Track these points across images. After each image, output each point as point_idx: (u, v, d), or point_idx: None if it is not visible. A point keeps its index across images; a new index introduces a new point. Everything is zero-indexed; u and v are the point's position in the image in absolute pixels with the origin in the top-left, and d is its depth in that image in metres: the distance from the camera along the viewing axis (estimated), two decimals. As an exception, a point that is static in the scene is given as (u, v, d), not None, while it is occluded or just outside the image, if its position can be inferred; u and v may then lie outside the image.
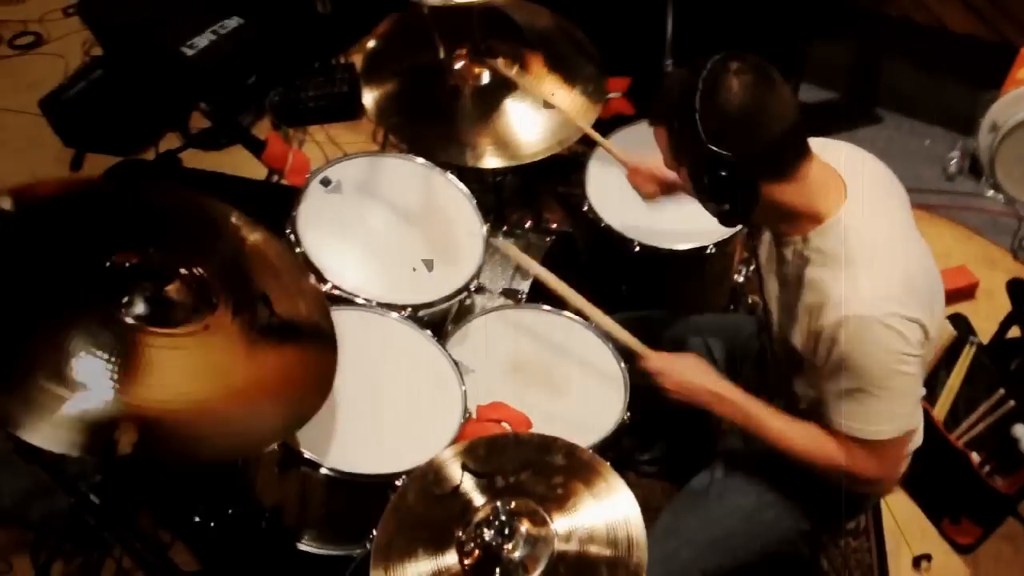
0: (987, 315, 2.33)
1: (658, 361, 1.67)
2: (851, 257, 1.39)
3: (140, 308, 1.36)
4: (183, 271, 1.45)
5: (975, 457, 2.02)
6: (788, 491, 1.63)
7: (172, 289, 1.41)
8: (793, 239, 1.47)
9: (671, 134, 1.43)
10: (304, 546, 1.69)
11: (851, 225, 1.41)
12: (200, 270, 1.46)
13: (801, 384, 1.57)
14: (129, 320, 1.34)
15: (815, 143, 1.45)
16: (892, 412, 1.42)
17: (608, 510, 1.37)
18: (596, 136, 2.05)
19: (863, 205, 1.43)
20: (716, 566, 1.64)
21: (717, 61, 1.36)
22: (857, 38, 3.11)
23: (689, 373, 1.64)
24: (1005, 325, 2.15)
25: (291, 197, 1.96)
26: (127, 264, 1.40)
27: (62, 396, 1.21)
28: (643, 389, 1.76)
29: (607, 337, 1.90)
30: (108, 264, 1.39)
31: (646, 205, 2.12)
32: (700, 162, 1.39)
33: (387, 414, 1.70)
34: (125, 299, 1.36)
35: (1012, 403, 1.96)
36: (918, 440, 1.61)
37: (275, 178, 2.68)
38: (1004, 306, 2.15)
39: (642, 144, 2.23)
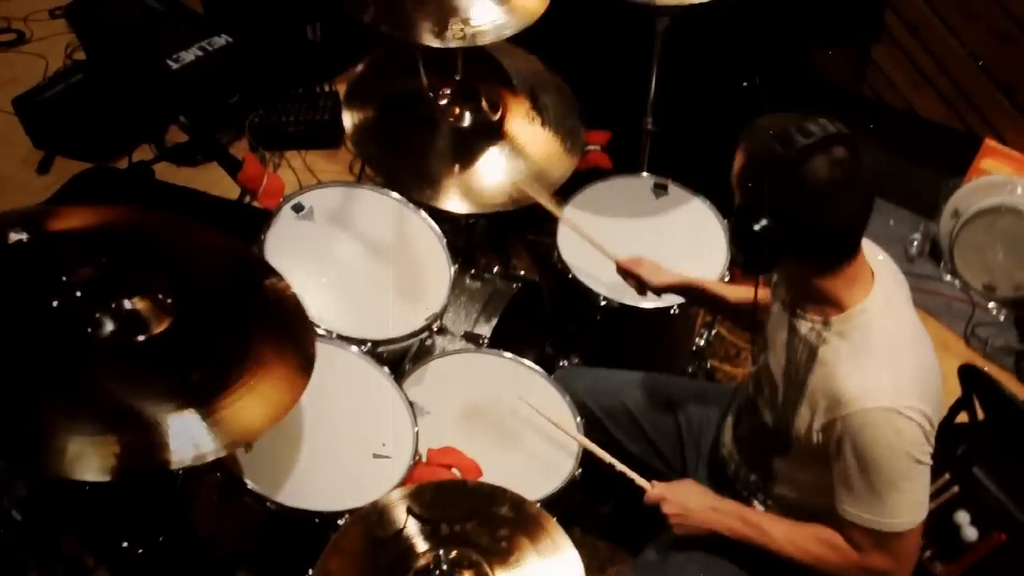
0: (938, 398, 2.37)
1: (658, 491, 1.64)
2: (872, 349, 1.40)
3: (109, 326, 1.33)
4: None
5: (917, 539, 2.03)
6: (744, 564, 1.62)
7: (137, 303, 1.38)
8: (812, 319, 1.47)
9: (747, 163, 1.41)
10: (237, 579, 1.65)
11: (875, 318, 1.42)
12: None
13: (782, 463, 1.57)
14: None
15: None
16: (912, 502, 1.41)
17: (552, 568, 1.35)
18: (582, 232, 2.03)
19: (886, 299, 1.45)
20: None
21: (831, 135, 1.35)
22: (831, 116, 3.18)
23: (688, 499, 1.62)
24: (954, 410, 2.17)
25: (262, 220, 1.95)
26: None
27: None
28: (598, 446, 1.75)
29: (564, 390, 1.89)
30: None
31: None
32: (750, 204, 1.39)
33: (336, 451, 1.67)
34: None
35: (956, 489, 1.97)
36: None
37: (247, 199, 2.66)
38: (954, 391, 2.18)
39: (614, 201, 2.28)
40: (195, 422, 1.27)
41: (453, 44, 1.88)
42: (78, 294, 1.35)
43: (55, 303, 1.34)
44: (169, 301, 1.41)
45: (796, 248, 1.40)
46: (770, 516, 1.58)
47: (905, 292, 1.53)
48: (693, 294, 1.90)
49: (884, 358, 1.40)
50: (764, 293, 1.64)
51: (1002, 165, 2.85)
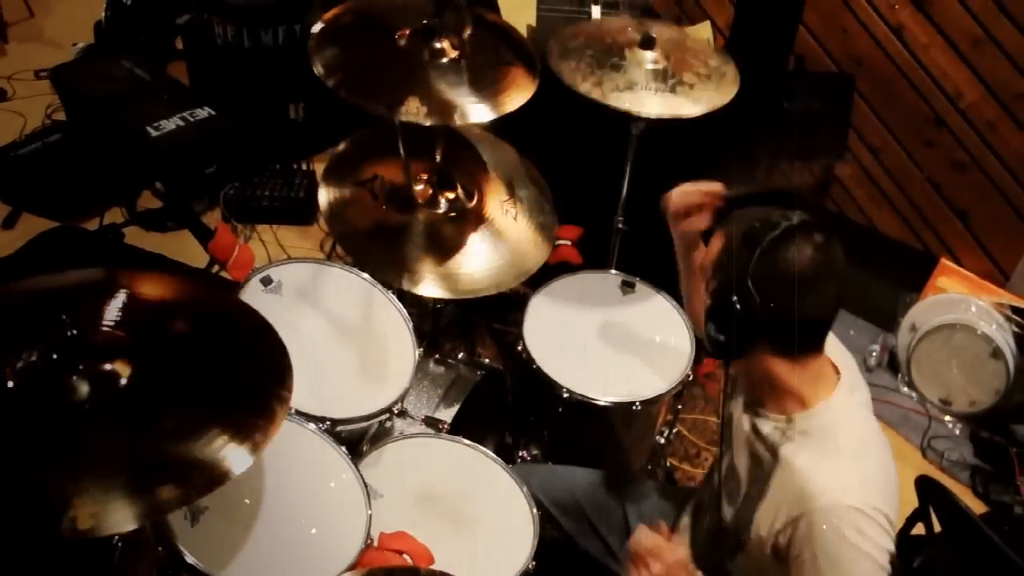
0: (893, 510, 2.37)
1: (643, 548, 1.49)
2: (838, 447, 1.39)
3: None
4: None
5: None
6: None
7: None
8: (775, 417, 1.46)
9: (726, 248, 1.43)
10: (170, 663, 1.56)
11: (839, 415, 1.42)
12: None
13: (736, 567, 1.54)
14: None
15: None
16: None
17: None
18: None
19: (849, 398, 1.44)
20: None
21: (810, 222, 1.37)
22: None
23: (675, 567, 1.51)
24: (911, 521, 2.17)
25: (230, 290, 1.94)
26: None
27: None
28: (552, 540, 1.72)
29: (521, 480, 1.87)
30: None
31: (579, 355, 2.15)
32: (729, 286, 1.38)
33: (287, 529, 1.62)
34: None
35: (912, 602, 1.96)
36: None
37: (216, 269, 2.65)
38: (910, 502, 2.19)
39: (582, 296, 2.30)
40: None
41: (405, 119, 1.92)
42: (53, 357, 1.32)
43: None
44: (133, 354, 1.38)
45: (771, 333, 1.39)
46: None
47: (865, 395, 1.53)
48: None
49: (849, 457, 1.39)
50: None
51: (956, 284, 2.96)
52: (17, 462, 1.22)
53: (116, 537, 1.55)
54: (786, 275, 1.35)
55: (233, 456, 1.27)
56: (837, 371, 1.47)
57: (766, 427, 1.48)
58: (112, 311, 1.44)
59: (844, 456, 1.39)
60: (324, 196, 2.13)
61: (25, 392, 1.30)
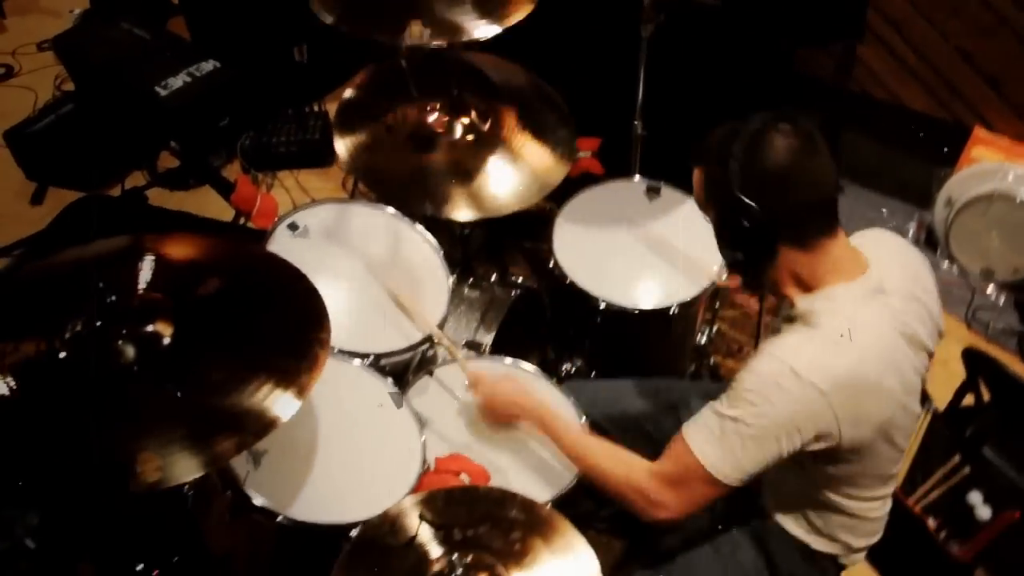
0: (943, 383, 2.37)
1: (477, 376, 1.75)
2: (820, 323, 1.38)
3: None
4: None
5: (931, 523, 2.03)
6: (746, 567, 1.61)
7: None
8: (787, 306, 1.47)
9: (706, 176, 1.44)
10: (252, 598, 1.64)
11: (839, 302, 1.39)
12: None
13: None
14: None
15: (880, 234, 1.51)
16: (733, 448, 1.36)
17: (567, 568, 1.35)
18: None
19: (864, 297, 1.40)
20: None
21: (768, 117, 1.39)
22: (819, 112, 3.21)
23: (499, 388, 1.72)
24: (960, 393, 2.18)
25: (257, 240, 1.95)
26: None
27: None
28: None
29: (572, 391, 1.89)
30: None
31: (611, 264, 2.14)
32: (726, 209, 1.40)
33: (344, 463, 1.66)
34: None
35: (967, 470, 1.98)
36: (878, 530, 1.60)
37: (242, 220, 2.67)
38: (959, 374, 2.19)
39: (607, 205, 2.28)
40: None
41: (410, 43, 1.89)
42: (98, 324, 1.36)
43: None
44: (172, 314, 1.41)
45: (781, 230, 1.40)
46: (570, 425, 1.68)
47: (899, 303, 1.44)
48: None
49: (820, 339, 1.36)
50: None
51: (992, 152, 2.87)
52: (81, 428, 1.27)
53: (186, 487, 1.61)
54: (771, 172, 1.36)
55: (280, 402, 1.32)
56: (868, 268, 1.44)
57: (782, 318, 1.49)
58: (145, 275, 1.47)
59: (820, 335, 1.37)
60: (340, 138, 2.12)
61: (77, 360, 1.34)
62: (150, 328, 1.38)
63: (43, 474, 1.23)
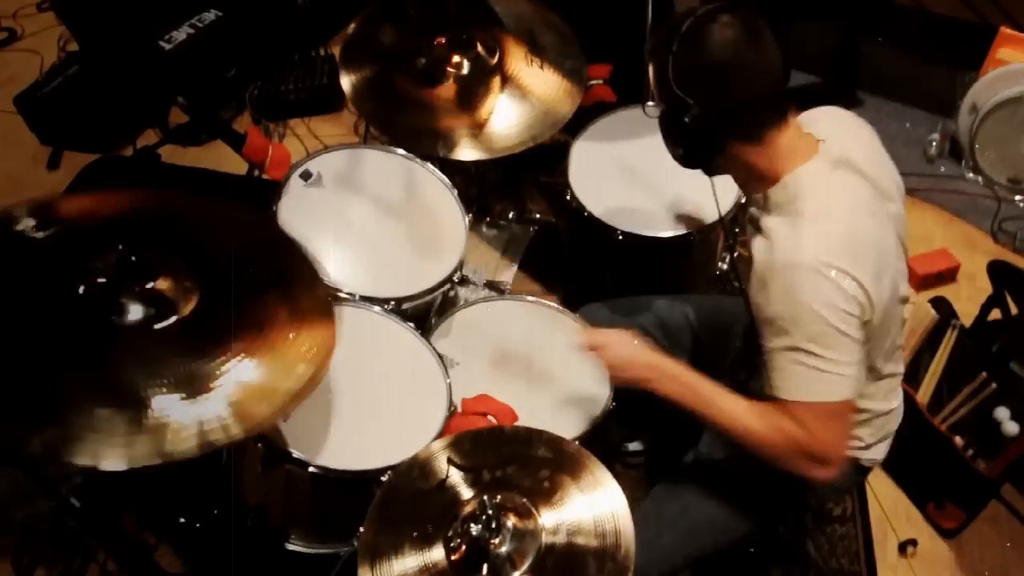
0: (969, 298, 2.34)
1: (595, 337, 1.61)
2: (799, 210, 1.39)
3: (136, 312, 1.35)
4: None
5: (958, 441, 2.04)
6: (765, 479, 1.62)
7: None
8: (757, 197, 1.48)
9: (652, 71, 1.43)
10: (291, 545, 1.68)
11: (806, 182, 1.41)
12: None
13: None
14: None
15: (823, 112, 1.50)
16: (832, 371, 1.35)
17: (595, 503, 1.37)
18: None
19: (827, 167, 1.42)
20: (697, 551, 1.64)
21: (709, 9, 1.36)
22: (837, 21, 3.11)
23: (627, 350, 1.57)
24: (986, 307, 2.15)
25: (272, 191, 1.95)
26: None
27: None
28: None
29: (588, 322, 1.89)
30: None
31: (629, 193, 2.12)
32: (668, 105, 1.41)
33: (371, 409, 1.69)
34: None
35: (994, 386, 1.97)
36: (891, 424, 1.61)
37: (256, 172, 2.66)
38: (985, 288, 2.16)
39: (622, 132, 2.24)
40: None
41: None
42: (102, 281, 1.36)
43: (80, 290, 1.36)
44: (191, 280, 1.41)
45: (726, 127, 1.39)
46: (716, 386, 1.49)
47: (878, 179, 1.46)
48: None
49: (809, 220, 1.37)
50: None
51: (1020, 53, 2.77)
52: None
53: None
54: (707, 66, 1.36)
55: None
56: (818, 145, 1.44)
57: (752, 212, 1.49)
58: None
59: (804, 219, 1.37)
60: (347, 82, 2.09)
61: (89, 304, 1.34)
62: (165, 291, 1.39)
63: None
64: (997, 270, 2.09)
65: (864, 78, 3.14)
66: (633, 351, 1.58)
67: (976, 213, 2.75)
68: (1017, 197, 2.77)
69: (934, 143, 2.90)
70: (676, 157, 1.48)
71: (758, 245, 1.44)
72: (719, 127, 1.40)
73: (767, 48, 1.36)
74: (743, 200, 2.06)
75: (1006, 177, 2.75)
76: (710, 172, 1.54)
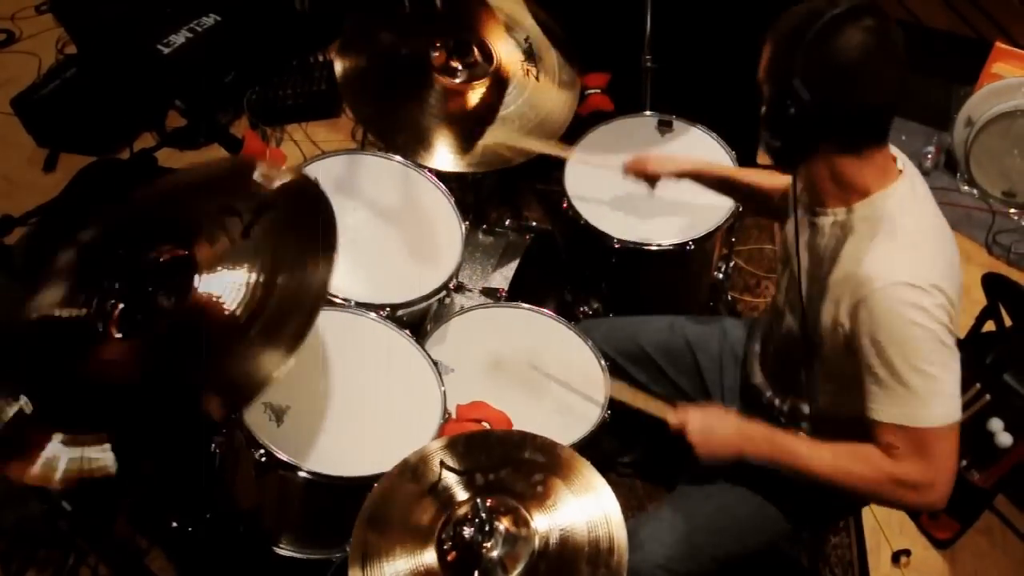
0: (963, 309, 2.33)
1: (682, 416, 1.59)
2: (896, 231, 1.37)
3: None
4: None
5: (952, 451, 2.04)
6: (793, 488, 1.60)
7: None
8: (835, 211, 1.44)
9: (772, 53, 1.38)
10: (282, 550, 1.67)
11: (899, 205, 1.39)
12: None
13: (813, 376, 1.54)
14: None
15: None
16: (940, 392, 1.33)
17: (588, 507, 1.36)
18: (590, 161, 2.11)
19: (912, 189, 1.42)
20: (725, 553, 1.63)
21: (853, 6, 1.30)
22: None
23: (712, 422, 1.56)
24: (980, 319, 2.16)
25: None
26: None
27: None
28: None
29: (586, 335, 1.90)
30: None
31: (626, 202, 2.13)
32: (780, 92, 1.34)
33: (366, 416, 1.68)
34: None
35: (988, 397, 1.97)
36: None
37: (253, 177, 2.65)
38: (979, 300, 2.16)
39: (620, 141, 2.25)
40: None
41: None
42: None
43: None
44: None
45: (831, 129, 1.35)
46: (799, 437, 1.54)
47: (927, 190, 1.48)
48: (709, 180, 1.91)
49: (907, 240, 1.37)
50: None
51: (1014, 67, 2.79)
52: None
53: (214, 445, 1.65)
54: (837, 66, 1.30)
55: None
56: (900, 168, 1.44)
57: (826, 223, 1.46)
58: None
59: (901, 239, 1.37)
60: (345, 88, 2.09)
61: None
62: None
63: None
64: (991, 283, 2.10)
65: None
66: (717, 426, 1.55)
67: (971, 226, 2.76)
68: (1011, 210, 2.78)
69: (929, 156, 2.91)
70: (769, 147, 1.42)
71: (842, 268, 1.41)
72: (826, 129, 1.35)
73: (897, 62, 1.32)
74: (740, 209, 2.09)
75: (1000, 190, 2.77)
76: (793, 171, 1.47)
